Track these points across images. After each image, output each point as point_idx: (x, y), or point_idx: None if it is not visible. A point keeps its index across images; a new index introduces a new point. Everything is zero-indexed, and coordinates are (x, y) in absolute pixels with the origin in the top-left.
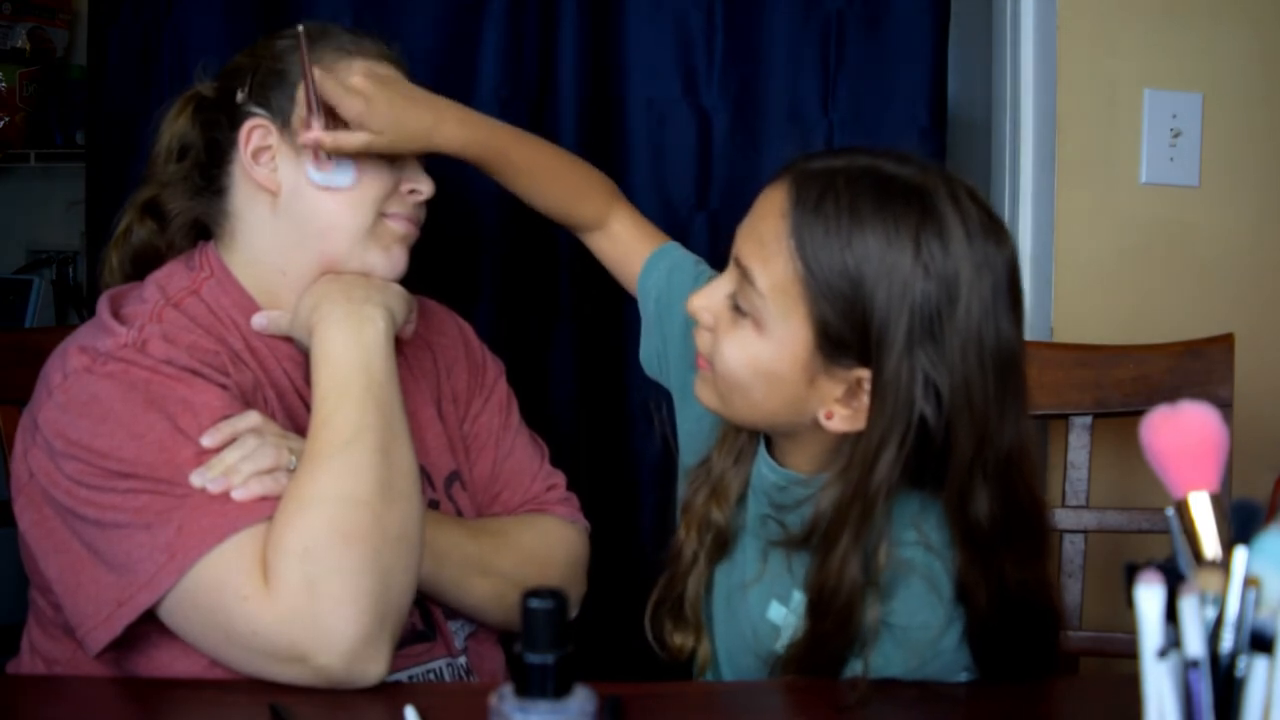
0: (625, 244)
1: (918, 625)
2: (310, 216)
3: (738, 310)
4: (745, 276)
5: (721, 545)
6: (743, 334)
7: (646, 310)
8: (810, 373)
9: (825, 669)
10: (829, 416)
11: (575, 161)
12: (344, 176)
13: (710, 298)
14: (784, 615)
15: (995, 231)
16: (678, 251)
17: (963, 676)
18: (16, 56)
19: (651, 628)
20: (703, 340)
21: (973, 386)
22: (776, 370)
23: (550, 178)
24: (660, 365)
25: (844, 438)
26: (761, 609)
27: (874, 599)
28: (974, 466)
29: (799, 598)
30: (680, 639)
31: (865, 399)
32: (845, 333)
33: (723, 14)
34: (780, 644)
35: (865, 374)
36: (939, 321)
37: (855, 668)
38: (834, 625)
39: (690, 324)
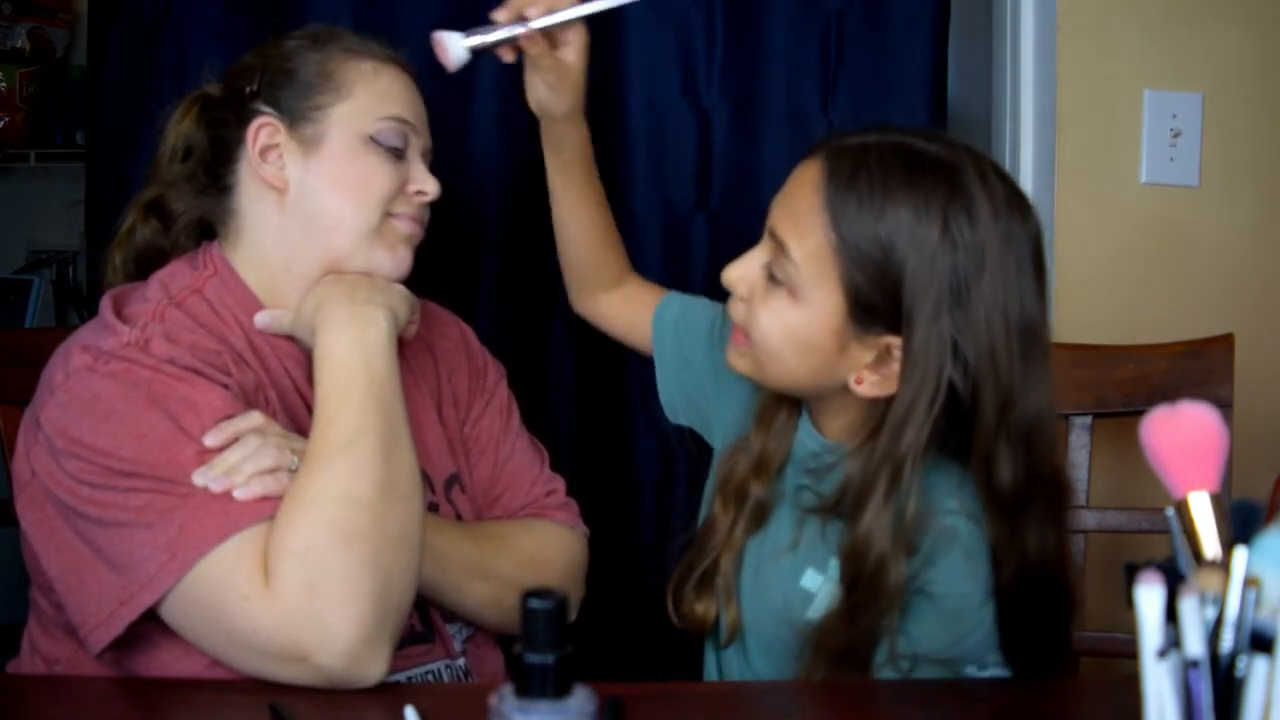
0: (637, 299)
1: (959, 594)
2: (317, 215)
3: (773, 280)
4: (780, 247)
5: (760, 517)
6: (778, 303)
7: (663, 343)
8: (842, 339)
9: (859, 644)
10: (859, 382)
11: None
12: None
13: (747, 268)
14: (819, 582)
15: (1020, 207)
16: (687, 296)
17: (993, 660)
18: (16, 56)
19: (673, 599)
20: (737, 311)
21: (998, 354)
22: (810, 337)
23: (603, 215)
24: (686, 395)
25: (875, 405)
26: (795, 577)
27: (902, 562)
28: (998, 432)
29: (836, 565)
30: (703, 609)
31: (894, 366)
32: (876, 301)
33: (723, 14)
34: (813, 611)
35: (895, 341)
36: (966, 291)
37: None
38: (867, 593)
39: (714, 336)
